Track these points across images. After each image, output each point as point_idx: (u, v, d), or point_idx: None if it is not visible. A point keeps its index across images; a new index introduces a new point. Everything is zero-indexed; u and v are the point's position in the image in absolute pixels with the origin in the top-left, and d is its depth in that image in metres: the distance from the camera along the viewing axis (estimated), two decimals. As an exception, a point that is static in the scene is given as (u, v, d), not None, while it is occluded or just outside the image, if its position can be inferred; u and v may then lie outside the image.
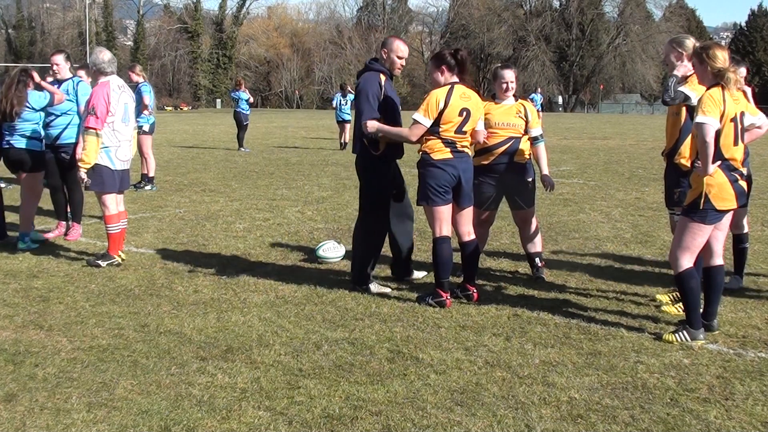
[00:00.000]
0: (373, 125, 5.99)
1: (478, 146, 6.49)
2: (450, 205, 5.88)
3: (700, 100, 5.00)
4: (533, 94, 31.83)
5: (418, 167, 5.95)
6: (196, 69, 77.50)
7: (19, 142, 7.97)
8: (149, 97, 12.59)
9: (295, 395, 4.15)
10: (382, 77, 6.22)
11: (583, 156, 20.01)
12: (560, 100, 77.99)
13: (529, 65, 73.35)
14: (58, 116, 8.19)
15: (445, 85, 5.85)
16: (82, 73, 9.24)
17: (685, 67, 5.66)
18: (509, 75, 6.57)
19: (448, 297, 5.87)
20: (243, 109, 21.20)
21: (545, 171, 6.79)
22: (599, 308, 5.87)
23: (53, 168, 8.31)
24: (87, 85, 8.48)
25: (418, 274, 6.79)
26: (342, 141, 22.08)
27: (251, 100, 21.44)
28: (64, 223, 8.52)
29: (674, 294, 5.90)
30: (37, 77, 8.10)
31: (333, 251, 7.39)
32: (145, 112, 12.53)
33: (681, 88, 5.51)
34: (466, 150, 5.94)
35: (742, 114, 5.11)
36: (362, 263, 6.38)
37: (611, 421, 3.86)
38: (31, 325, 5.38)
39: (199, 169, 16.12)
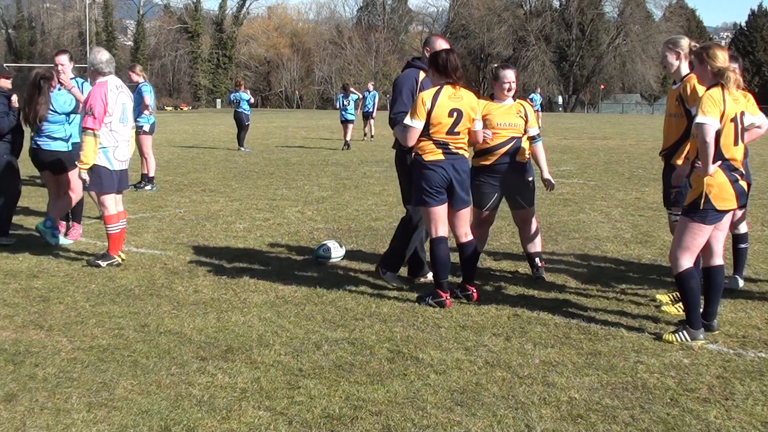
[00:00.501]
0: None
1: (480, 147, 6.48)
2: (445, 205, 5.89)
3: (700, 100, 5.00)
4: (533, 94, 31.86)
5: (411, 168, 5.95)
6: (196, 69, 77.52)
7: (46, 144, 8.05)
8: (150, 97, 12.59)
9: (295, 395, 4.15)
10: (422, 74, 6.40)
11: (583, 156, 20.01)
12: (560, 100, 78.03)
13: (529, 65, 73.37)
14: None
15: (434, 86, 5.88)
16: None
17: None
18: (510, 75, 6.57)
19: (448, 297, 5.87)
20: (244, 110, 21.21)
21: (545, 171, 6.79)
22: (599, 308, 5.87)
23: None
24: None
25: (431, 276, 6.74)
26: (346, 140, 22.09)
27: (252, 100, 21.43)
28: (65, 222, 8.52)
29: (674, 294, 5.90)
30: (64, 79, 8.13)
31: (333, 251, 7.40)
32: (146, 112, 12.53)
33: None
34: (460, 152, 5.91)
35: (742, 114, 5.11)
36: (394, 251, 6.61)
37: (611, 421, 3.86)
38: (31, 325, 5.38)
39: (199, 169, 16.12)
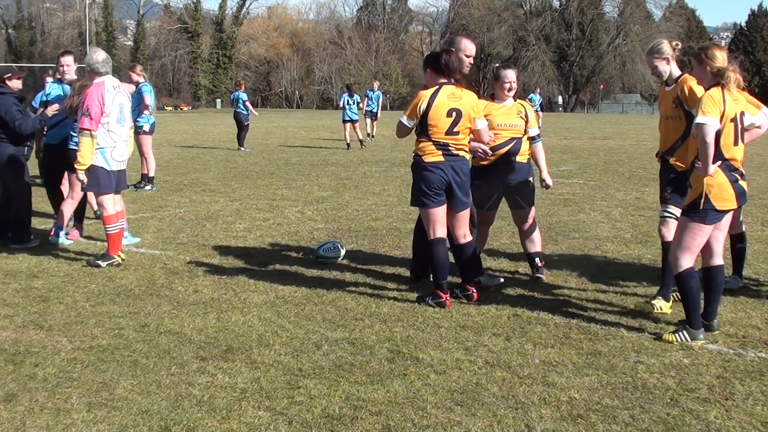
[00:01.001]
0: None
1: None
2: (444, 207, 5.88)
3: (700, 101, 4.99)
4: (532, 94, 31.81)
5: (411, 170, 5.96)
6: (196, 69, 77.52)
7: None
8: (150, 97, 12.58)
9: (295, 395, 4.15)
10: None
11: (583, 156, 20.01)
12: (560, 100, 78.02)
13: (529, 65, 73.36)
14: (66, 116, 8.20)
15: (432, 86, 5.87)
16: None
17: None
18: (511, 75, 6.57)
19: (448, 298, 5.88)
20: (243, 110, 21.21)
21: (544, 171, 6.80)
22: (599, 308, 5.87)
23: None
24: None
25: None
26: (349, 141, 22.07)
27: (247, 102, 21.35)
28: (73, 221, 8.58)
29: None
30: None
31: (333, 251, 7.40)
32: (146, 112, 12.53)
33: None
34: (461, 153, 5.90)
35: (742, 114, 5.11)
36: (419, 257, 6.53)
37: (611, 421, 3.86)
38: (31, 325, 5.38)
39: (199, 169, 16.12)
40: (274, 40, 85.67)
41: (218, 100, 75.42)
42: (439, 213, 5.88)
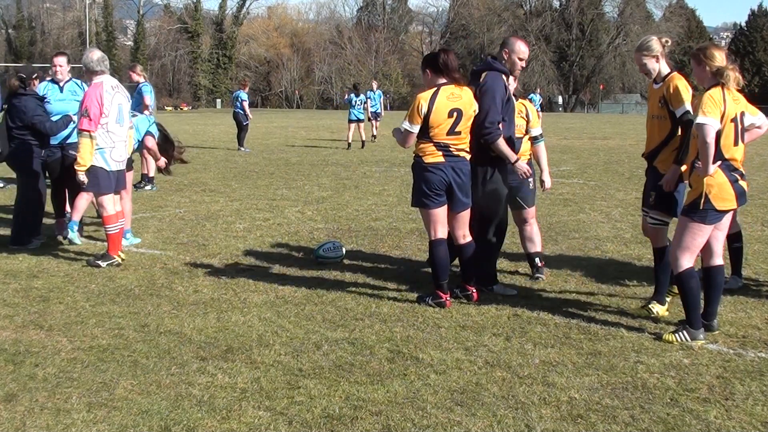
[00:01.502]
0: None
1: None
2: (444, 207, 5.87)
3: (700, 101, 4.98)
4: (532, 94, 31.76)
5: (412, 170, 5.94)
6: (196, 69, 77.47)
7: None
8: (150, 97, 12.60)
9: (295, 395, 4.15)
10: (505, 78, 6.11)
11: (583, 156, 20.01)
12: (560, 100, 78.00)
13: (529, 65, 73.17)
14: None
15: (431, 87, 5.82)
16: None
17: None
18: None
19: (448, 298, 5.88)
20: (241, 109, 21.20)
21: (545, 171, 6.80)
22: (599, 308, 5.87)
23: (55, 166, 8.30)
24: None
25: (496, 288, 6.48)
26: (350, 141, 22.05)
27: (245, 103, 21.34)
28: (63, 220, 8.53)
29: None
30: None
31: (333, 251, 7.40)
32: (146, 112, 12.51)
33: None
34: (461, 153, 5.86)
35: (743, 114, 5.11)
36: (484, 264, 6.25)
37: (611, 421, 3.86)
38: (31, 325, 5.38)
39: (199, 169, 16.11)
40: (274, 40, 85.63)
41: (218, 100, 75.38)
42: (440, 214, 5.87)
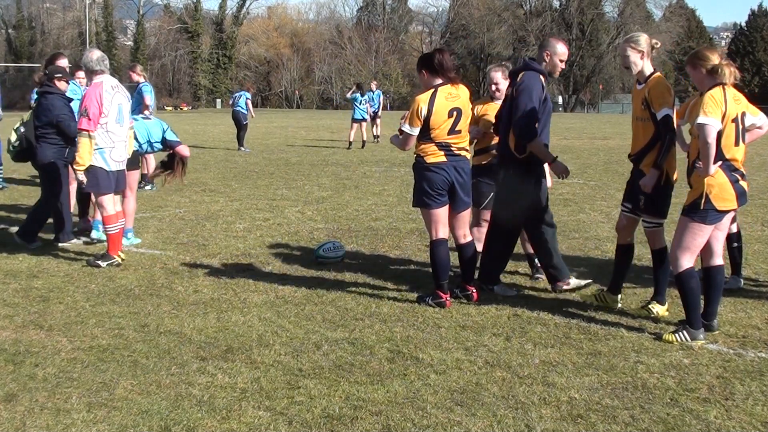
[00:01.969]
0: None
1: (477, 146, 6.47)
2: (446, 207, 5.87)
3: (701, 101, 4.98)
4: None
5: (413, 170, 5.93)
6: (196, 69, 77.45)
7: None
8: (150, 97, 12.59)
9: (295, 395, 4.15)
10: (543, 78, 6.06)
11: (583, 156, 20.02)
12: (560, 100, 77.98)
13: (529, 65, 73.19)
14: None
15: (428, 88, 5.79)
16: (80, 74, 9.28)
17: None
18: (496, 77, 6.59)
19: (448, 298, 5.88)
20: (242, 108, 21.23)
21: (546, 171, 6.78)
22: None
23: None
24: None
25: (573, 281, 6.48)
26: (352, 140, 22.04)
27: (248, 101, 21.42)
28: (89, 219, 8.67)
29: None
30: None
31: (333, 251, 7.40)
32: (146, 112, 12.51)
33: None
34: (462, 153, 5.86)
35: (743, 114, 5.11)
36: (492, 263, 6.29)
37: (611, 421, 3.86)
38: (31, 325, 5.38)
39: (199, 169, 16.10)
40: (274, 40, 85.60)
41: (218, 100, 75.36)
42: (441, 213, 5.87)
